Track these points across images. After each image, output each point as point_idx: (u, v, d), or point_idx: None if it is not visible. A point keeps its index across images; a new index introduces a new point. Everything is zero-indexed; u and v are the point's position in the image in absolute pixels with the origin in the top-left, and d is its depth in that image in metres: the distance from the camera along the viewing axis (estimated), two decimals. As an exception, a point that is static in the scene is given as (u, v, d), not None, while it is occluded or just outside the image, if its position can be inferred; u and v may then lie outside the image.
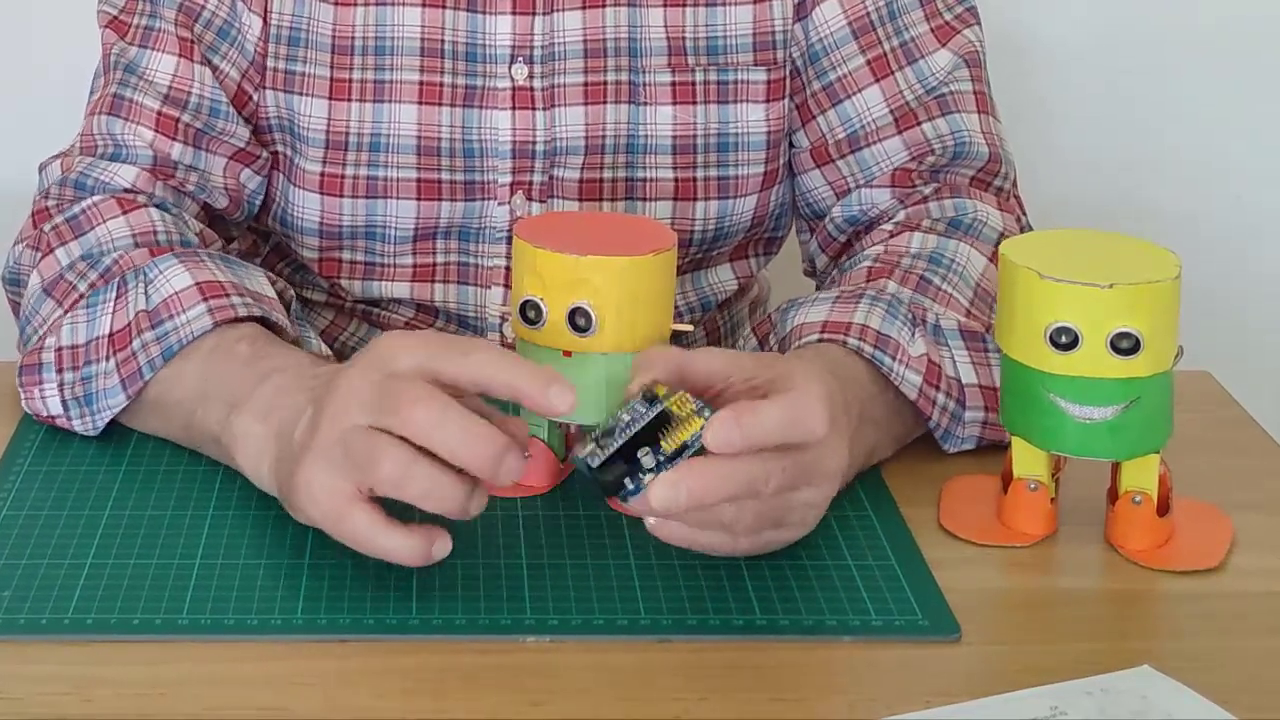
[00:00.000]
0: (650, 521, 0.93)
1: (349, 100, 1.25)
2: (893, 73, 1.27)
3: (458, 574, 0.96)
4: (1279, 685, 0.89)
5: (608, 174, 1.27)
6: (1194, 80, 1.83)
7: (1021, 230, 1.26)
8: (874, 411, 1.07)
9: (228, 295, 1.10)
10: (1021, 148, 1.83)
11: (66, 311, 1.13)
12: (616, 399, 1.01)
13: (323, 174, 1.26)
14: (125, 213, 1.18)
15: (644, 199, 1.28)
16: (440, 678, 0.88)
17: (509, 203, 1.26)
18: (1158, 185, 1.85)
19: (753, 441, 0.91)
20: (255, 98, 1.26)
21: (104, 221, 1.17)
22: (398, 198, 1.25)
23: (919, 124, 1.26)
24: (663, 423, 0.93)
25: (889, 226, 1.24)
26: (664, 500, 0.90)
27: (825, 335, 1.10)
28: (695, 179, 1.27)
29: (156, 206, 1.20)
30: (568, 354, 1.01)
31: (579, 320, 0.99)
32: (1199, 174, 1.85)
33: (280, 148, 1.28)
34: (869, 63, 1.27)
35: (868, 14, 1.27)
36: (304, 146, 1.25)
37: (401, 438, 0.91)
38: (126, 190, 1.22)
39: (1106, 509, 1.02)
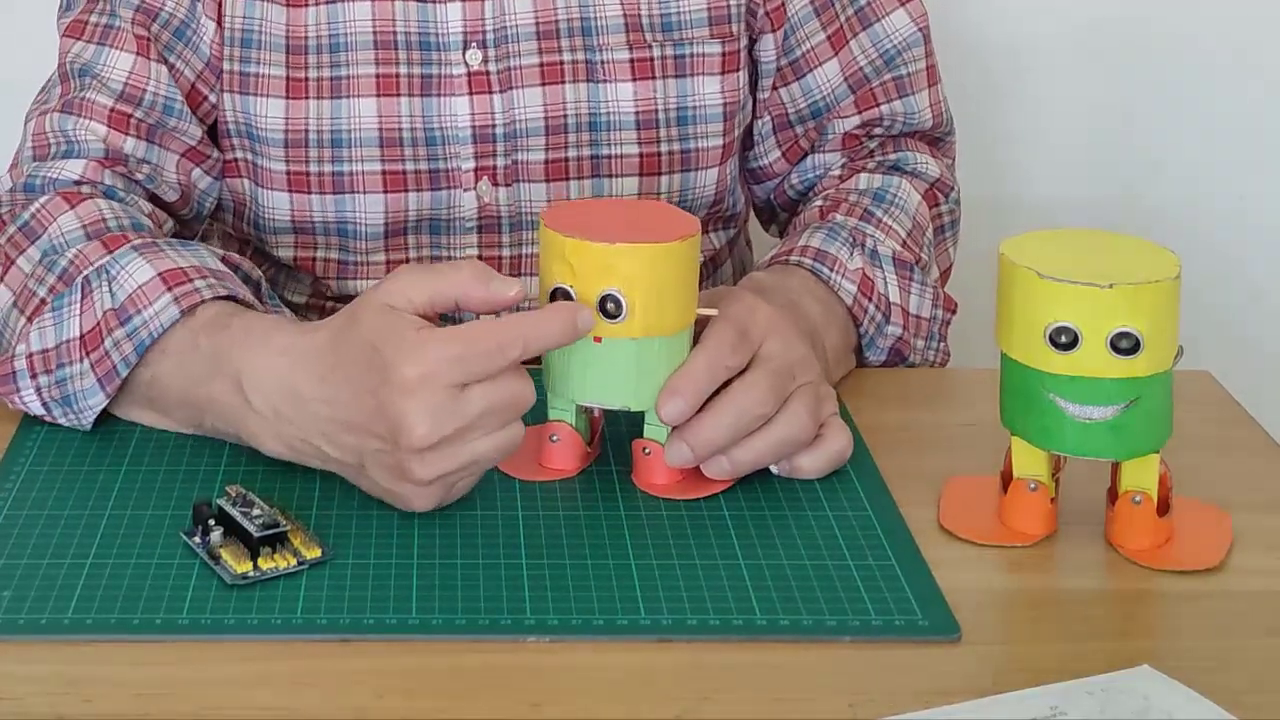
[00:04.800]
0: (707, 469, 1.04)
1: (306, 98, 1.27)
2: (848, 41, 1.35)
3: (458, 574, 0.96)
4: (1279, 685, 0.89)
5: (573, 153, 1.29)
6: (1194, 80, 1.83)
7: (952, 172, 1.41)
8: (812, 311, 1.18)
9: (191, 280, 1.10)
10: (1021, 148, 1.84)
11: (31, 320, 1.13)
12: (646, 383, 1.03)
13: (289, 172, 1.28)
14: (73, 207, 1.18)
15: (610, 175, 1.31)
16: (440, 678, 0.88)
17: (475, 189, 1.28)
18: (1158, 185, 1.85)
19: (691, 399, 1.02)
20: (211, 99, 1.28)
21: (54, 220, 1.17)
22: (364, 191, 1.27)
23: (876, 105, 1.36)
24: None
25: (837, 171, 1.36)
26: (677, 459, 1.03)
27: (773, 260, 1.24)
28: (660, 153, 1.31)
29: (105, 195, 1.21)
30: (598, 340, 1.02)
31: (609, 306, 1.01)
32: (1199, 174, 1.85)
33: (240, 153, 1.29)
34: (829, 38, 1.35)
35: None
36: (264, 147, 1.27)
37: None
38: (75, 182, 1.22)
39: (1106, 509, 1.02)
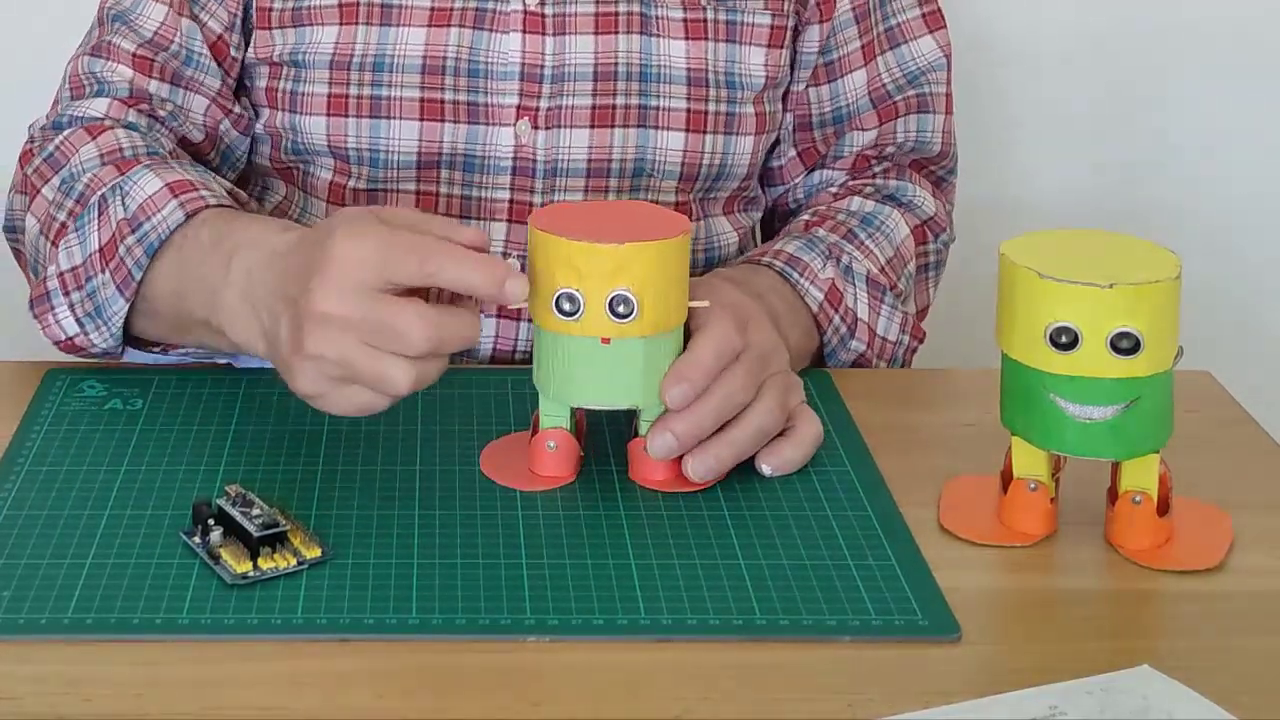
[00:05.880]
0: (686, 467, 1.05)
1: (356, 24, 1.28)
2: (876, 57, 1.37)
3: (458, 574, 0.96)
4: (1279, 685, 0.89)
5: (620, 100, 1.29)
6: (1194, 80, 1.83)
7: (949, 215, 1.41)
8: (777, 308, 1.20)
9: (197, 189, 1.16)
10: (1022, 148, 1.84)
11: (56, 244, 1.19)
12: (652, 381, 1.04)
13: (329, 95, 1.29)
14: (94, 138, 1.23)
15: (657, 127, 1.31)
16: (440, 678, 0.89)
17: (513, 126, 1.28)
18: (1158, 185, 1.85)
19: (699, 386, 1.04)
20: (234, 54, 1.31)
21: (76, 151, 1.22)
22: (401, 118, 1.28)
23: (896, 118, 1.37)
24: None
25: (835, 189, 1.39)
26: (661, 449, 1.04)
27: (746, 260, 1.28)
28: (707, 111, 1.31)
29: (125, 127, 1.25)
30: (605, 341, 1.01)
31: (620, 308, 1.01)
32: (1199, 174, 1.85)
33: (282, 83, 1.30)
34: (862, 47, 1.36)
35: (867, 0, 1.36)
36: (309, 71, 1.29)
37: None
38: (99, 118, 1.26)
39: (1106, 509, 1.02)
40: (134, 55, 1.28)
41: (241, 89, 1.33)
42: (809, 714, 0.86)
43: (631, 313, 1.01)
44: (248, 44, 1.31)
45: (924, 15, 1.38)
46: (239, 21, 1.30)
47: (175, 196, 1.15)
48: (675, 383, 1.03)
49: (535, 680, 0.88)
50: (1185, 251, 1.04)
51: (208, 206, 1.14)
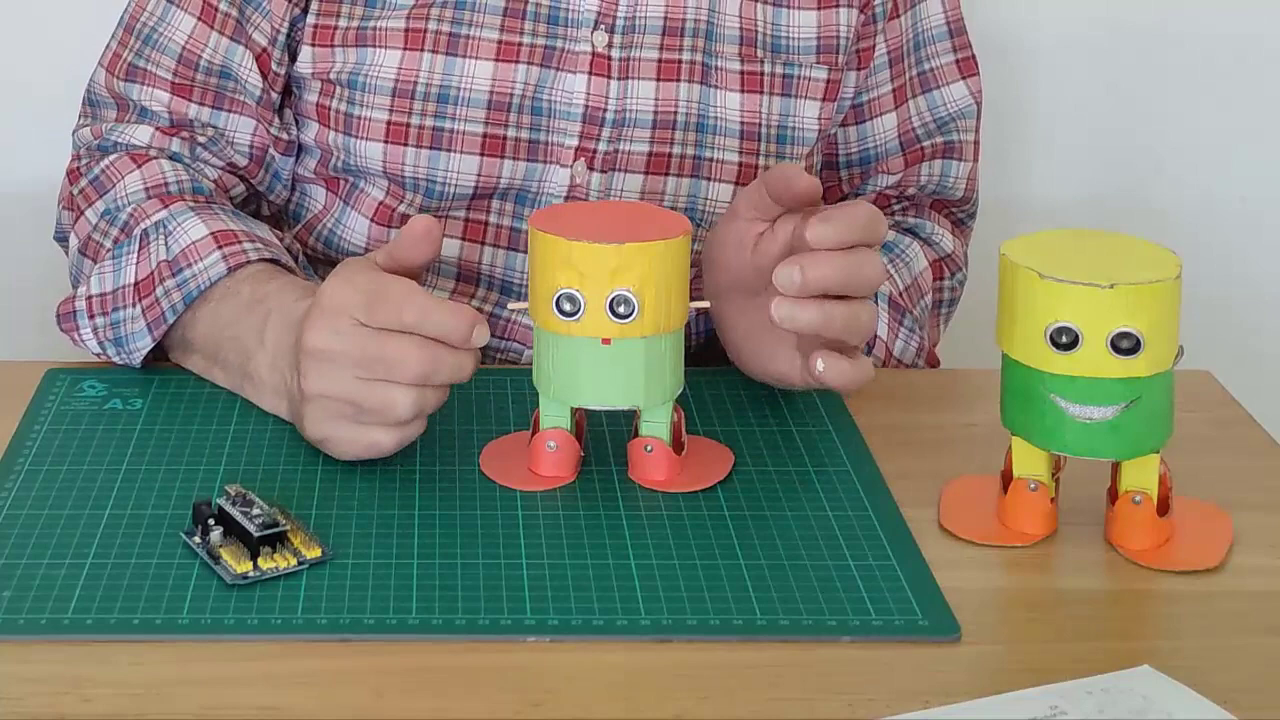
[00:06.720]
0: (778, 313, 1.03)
1: (422, 50, 1.27)
2: (908, 100, 1.37)
3: (458, 574, 0.96)
4: (1279, 685, 0.89)
5: (676, 150, 1.30)
6: (1195, 80, 1.83)
7: (965, 255, 1.41)
8: None
9: (239, 242, 1.19)
10: (1022, 147, 1.84)
11: (95, 262, 1.23)
12: (654, 381, 1.03)
13: (389, 122, 1.28)
14: (139, 166, 1.25)
15: (709, 179, 1.31)
16: (440, 678, 0.89)
17: (570, 167, 1.28)
18: (1158, 185, 1.85)
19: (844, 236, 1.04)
20: (275, 69, 1.30)
21: (122, 178, 1.25)
22: (461, 151, 1.27)
23: (922, 161, 1.38)
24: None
25: None
26: (785, 280, 1.02)
27: None
28: (757, 166, 1.31)
29: (170, 158, 1.27)
30: (606, 341, 1.01)
31: (620, 308, 1.01)
32: (1200, 174, 1.85)
33: (336, 103, 1.29)
34: (893, 91, 1.37)
35: (902, 45, 1.36)
36: (368, 95, 1.28)
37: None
38: (144, 147, 1.28)
39: (1106, 509, 1.02)
40: (172, 80, 1.28)
41: (283, 101, 1.32)
42: (809, 714, 0.86)
43: (632, 313, 1.01)
44: (292, 59, 1.30)
45: (958, 61, 1.38)
46: (282, 37, 1.29)
47: (219, 247, 1.18)
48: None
49: (535, 680, 0.88)
50: (1185, 252, 1.04)
51: (249, 262, 1.17)
